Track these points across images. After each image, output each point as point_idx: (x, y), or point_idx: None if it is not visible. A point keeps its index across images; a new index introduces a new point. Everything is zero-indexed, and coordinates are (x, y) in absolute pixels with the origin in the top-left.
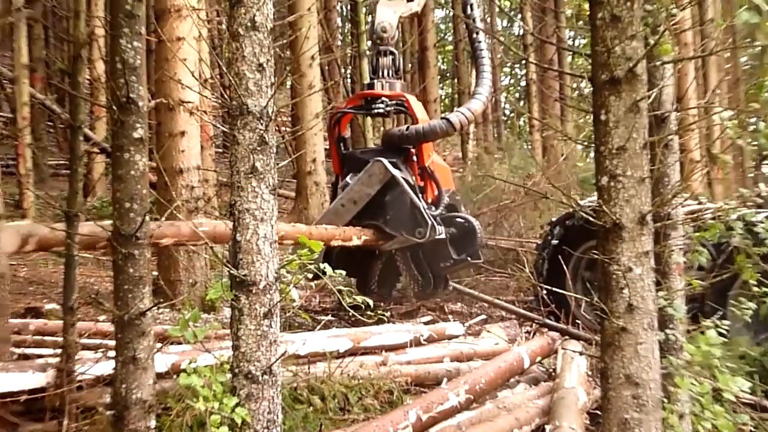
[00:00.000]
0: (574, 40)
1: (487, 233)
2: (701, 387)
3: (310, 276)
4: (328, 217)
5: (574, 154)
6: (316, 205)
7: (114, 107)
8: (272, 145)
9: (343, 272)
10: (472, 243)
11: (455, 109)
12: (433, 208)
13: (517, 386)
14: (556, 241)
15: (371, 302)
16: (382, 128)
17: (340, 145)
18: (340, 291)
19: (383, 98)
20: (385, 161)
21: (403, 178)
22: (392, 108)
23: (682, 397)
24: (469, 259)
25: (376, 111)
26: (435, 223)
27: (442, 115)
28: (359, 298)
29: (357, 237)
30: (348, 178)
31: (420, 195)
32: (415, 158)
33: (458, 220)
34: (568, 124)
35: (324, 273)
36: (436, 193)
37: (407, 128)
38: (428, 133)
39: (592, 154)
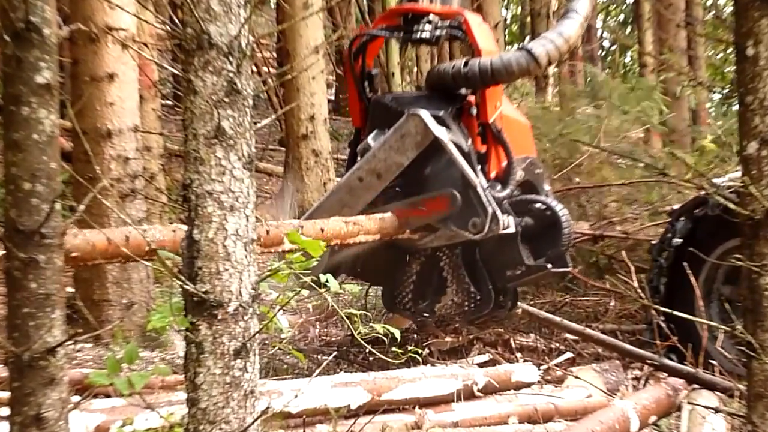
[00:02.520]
0: None
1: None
2: None
3: (306, 293)
4: (339, 197)
5: (706, 107)
6: (316, 186)
7: (5, 37)
8: (247, 95)
9: (356, 285)
10: (555, 242)
11: (541, 35)
12: (499, 187)
13: None
14: (680, 241)
15: (398, 333)
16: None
17: (363, 86)
18: (350, 317)
19: (431, 17)
20: (426, 114)
21: (453, 142)
22: (444, 32)
23: None
24: (549, 266)
25: (419, 35)
26: (498, 212)
27: (521, 44)
28: (379, 327)
29: (381, 230)
30: (370, 138)
31: (479, 167)
32: (474, 111)
33: (536, 206)
34: (698, 61)
35: (323, 286)
36: (504, 164)
37: (465, 63)
38: (498, 72)
39: (735, 108)
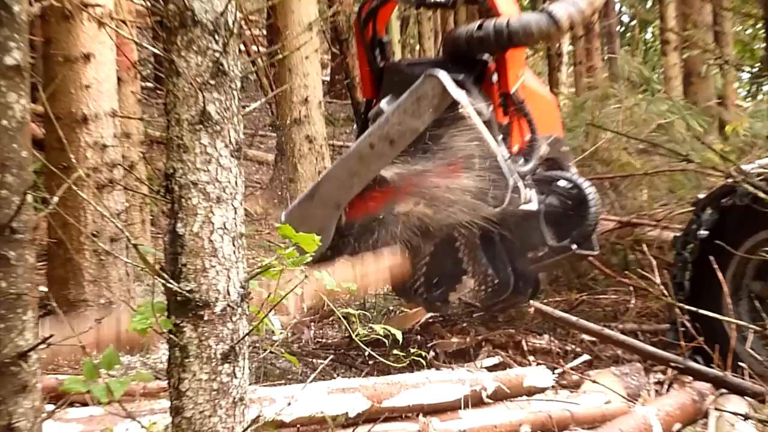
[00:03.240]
0: None
1: None
2: None
3: (300, 290)
4: (348, 166)
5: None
6: (310, 174)
7: None
8: (235, 76)
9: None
10: (582, 221)
11: None
12: (521, 161)
13: None
14: (705, 233)
15: (400, 335)
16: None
17: (374, 55)
18: (347, 317)
19: None
20: (444, 75)
21: (474, 107)
22: None
23: None
24: (575, 247)
25: None
26: (521, 184)
27: (541, 6)
28: (379, 328)
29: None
30: (384, 103)
31: (501, 138)
32: (494, 78)
33: (561, 183)
34: (724, 38)
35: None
36: (527, 137)
37: (479, 26)
38: (515, 34)
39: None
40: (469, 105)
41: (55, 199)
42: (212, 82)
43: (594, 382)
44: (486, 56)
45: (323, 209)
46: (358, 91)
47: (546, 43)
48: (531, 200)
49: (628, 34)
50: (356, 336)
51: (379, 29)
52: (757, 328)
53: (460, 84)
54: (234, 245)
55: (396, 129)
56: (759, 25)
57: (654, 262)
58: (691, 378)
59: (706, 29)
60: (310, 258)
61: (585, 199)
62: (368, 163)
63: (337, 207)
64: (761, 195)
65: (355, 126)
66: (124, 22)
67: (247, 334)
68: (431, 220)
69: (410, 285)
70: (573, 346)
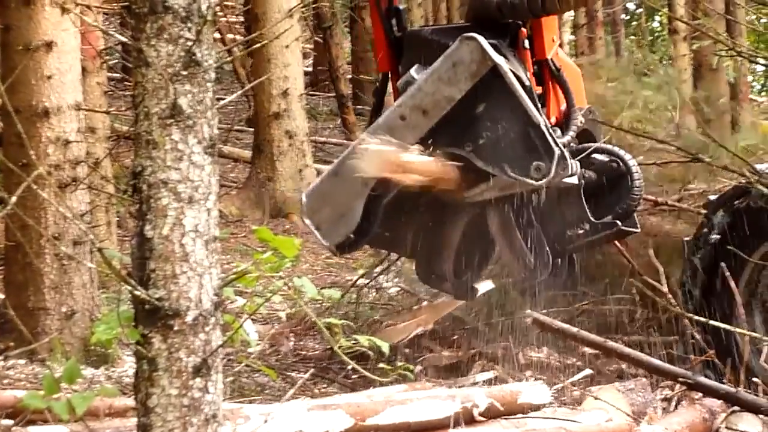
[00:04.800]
0: None
1: None
2: None
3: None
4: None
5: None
6: (290, 172)
7: None
8: (209, 67)
9: (337, 290)
10: (626, 196)
11: None
12: (559, 133)
13: None
14: (717, 237)
15: (386, 347)
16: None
17: (390, 24)
18: (329, 327)
19: None
20: (483, 40)
21: (513, 73)
22: None
23: None
24: (618, 223)
25: None
26: (567, 153)
27: None
28: (364, 340)
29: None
30: (413, 71)
31: (540, 106)
32: (526, 44)
33: (601, 157)
34: (737, 27)
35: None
36: (563, 107)
37: None
38: (538, 1)
39: None
40: (509, 70)
41: (14, 199)
42: (184, 73)
43: (596, 398)
44: (521, 20)
45: (349, 188)
46: (343, 83)
47: (581, 9)
48: (577, 171)
49: (634, 23)
50: (339, 348)
51: None
52: None
53: (496, 49)
54: (207, 249)
55: (430, 98)
56: None
57: (661, 269)
58: (701, 394)
59: (717, 18)
60: (333, 245)
61: (629, 172)
62: (400, 137)
63: (364, 185)
64: None
65: (373, 102)
66: (89, 7)
67: (221, 345)
68: (468, 196)
69: (436, 269)
70: (574, 360)
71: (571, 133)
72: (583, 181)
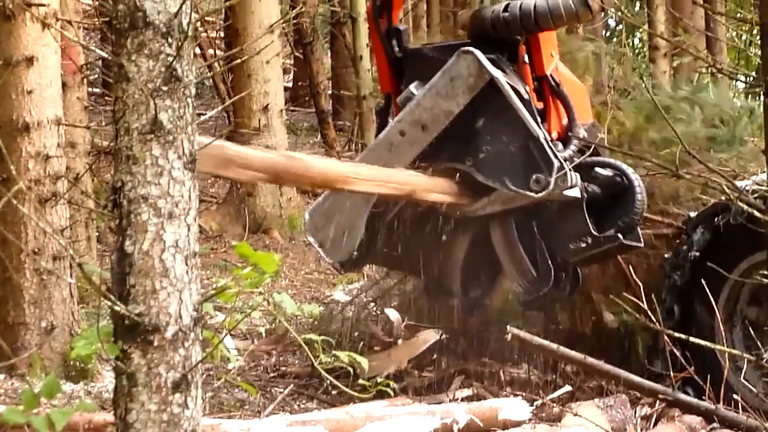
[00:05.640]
0: None
1: None
2: None
3: (258, 314)
4: (377, 156)
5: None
6: (270, 188)
7: None
8: (189, 82)
9: (317, 306)
10: (628, 210)
11: None
12: (561, 147)
13: None
14: (697, 254)
15: (365, 362)
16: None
17: (391, 44)
18: (309, 343)
19: None
20: (480, 54)
21: (511, 86)
22: None
23: None
24: (620, 237)
25: None
26: (567, 165)
27: None
28: (344, 356)
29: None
30: (413, 87)
31: (539, 120)
32: (526, 59)
33: (604, 171)
34: (718, 44)
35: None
36: (565, 121)
37: (505, 7)
38: (542, 16)
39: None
40: (506, 83)
41: None
42: (165, 88)
43: (575, 414)
44: (517, 36)
45: (351, 205)
46: (323, 99)
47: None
48: (577, 183)
49: (615, 39)
50: (319, 364)
51: (394, 18)
52: (752, 358)
53: (495, 63)
54: (187, 265)
55: (428, 113)
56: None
57: (640, 285)
58: (680, 411)
59: (698, 35)
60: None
61: (630, 187)
62: (399, 152)
63: (366, 201)
64: (757, 214)
65: (375, 123)
66: (70, 22)
67: (200, 361)
68: (470, 210)
69: (444, 285)
70: (554, 376)
71: (573, 147)
72: (585, 195)
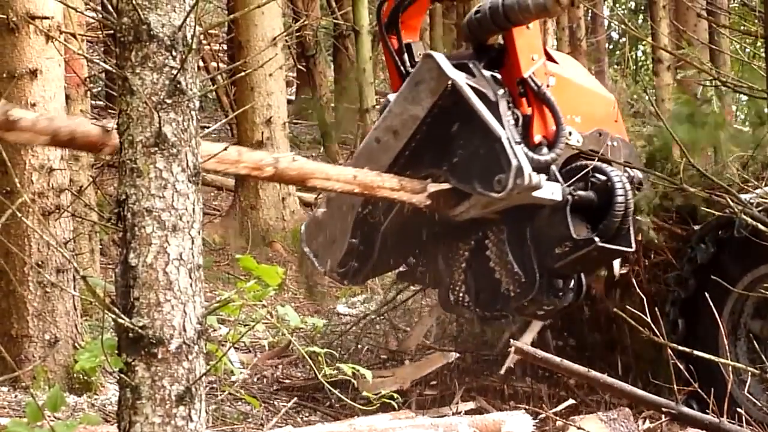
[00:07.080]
0: None
1: None
2: None
3: (261, 327)
4: (358, 164)
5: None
6: (273, 201)
7: None
8: (193, 95)
9: (320, 319)
10: (611, 215)
11: None
12: (544, 150)
13: None
14: (701, 267)
15: (369, 374)
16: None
17: (403, 59)
18: (312, 356)
19: None
20: (440, 56)
21: (474, 88)
22: None
23: None
24: (596, 239)
25: None
26: (526, 165)
27: None
28: (347, 368)
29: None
30: (390, 96)
31: (512, 123)
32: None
33: (601, 177)
34: (722, 57)
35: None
36: (553, 128)
37: (476, 9)
38: (510, 11)
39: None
40: (465, 85)
41: None
42: (169, 101)
43: (579, 428)
44: (499, 40)
45: (338, 213)
46: (326, 112)
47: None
48: (539, 184)
49: (618, 52)
50: (322, 376)
51: (405, 32)
52: (756, 371)
53: (462, 66)
54: (191, 277)
55: (398, 119)
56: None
57: (645, 299)
58: (684, 425)
59: (701, 48)
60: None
61: (611, 188)
62: (376, 159)
63: (351, 208)
64: (761, 227)
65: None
66: (73, 35)
67: (205, 373)
68: (454, 214)
69: (455, 298)
70: (557, 390)
71: (557, 151)
72: (570, 198)
